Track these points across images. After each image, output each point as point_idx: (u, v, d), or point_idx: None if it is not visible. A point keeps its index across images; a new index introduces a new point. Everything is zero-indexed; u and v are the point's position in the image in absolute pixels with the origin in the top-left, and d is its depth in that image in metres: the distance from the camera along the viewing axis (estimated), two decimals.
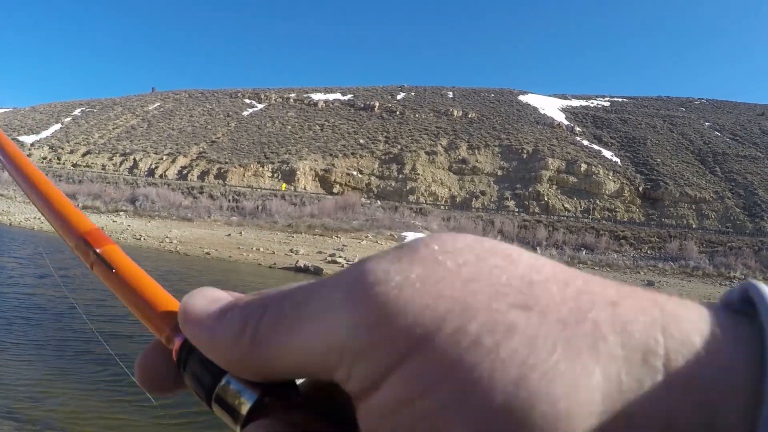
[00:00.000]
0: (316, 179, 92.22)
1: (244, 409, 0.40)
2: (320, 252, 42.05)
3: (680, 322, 0.30)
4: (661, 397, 0.28)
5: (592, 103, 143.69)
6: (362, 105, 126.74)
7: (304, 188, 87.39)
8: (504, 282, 0.31)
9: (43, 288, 17.20)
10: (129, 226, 49.12)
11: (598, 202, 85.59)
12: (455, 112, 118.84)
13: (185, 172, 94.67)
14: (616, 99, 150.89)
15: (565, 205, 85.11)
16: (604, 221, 77.50)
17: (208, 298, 0.43)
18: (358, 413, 0.33)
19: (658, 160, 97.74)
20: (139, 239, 42.23)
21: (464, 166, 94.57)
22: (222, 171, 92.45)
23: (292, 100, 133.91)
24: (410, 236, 50.27)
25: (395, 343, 0.30)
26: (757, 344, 0.28)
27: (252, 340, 0.37)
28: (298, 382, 0.43)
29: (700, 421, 0.27)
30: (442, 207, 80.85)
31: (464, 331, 0.29)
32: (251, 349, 0.37)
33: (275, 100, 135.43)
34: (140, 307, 0.51)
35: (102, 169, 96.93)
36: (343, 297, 0.33)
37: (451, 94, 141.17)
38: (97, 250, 0.58)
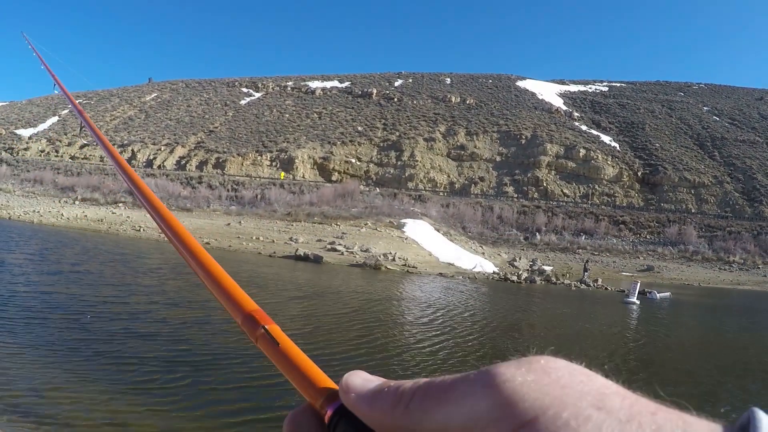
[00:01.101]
0: (315, 167, 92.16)
1: None
2: (320, 240, 42.10)
3: (696, 429, 0.45)
4: None
5: (591, 88, 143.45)
6: (360, 92, 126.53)
7: (303, 176, 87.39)
8: (586, 391, 0.49)
9: (57, 286, 16.72)
10: (128, 217, 49.11)
11: (597, 187, 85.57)
12: (453, 99, 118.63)
13: (183, 162, 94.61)
14: (614, 84, 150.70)
15: (564, 191, 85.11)
16: (603, 206, 77.60)
17: (364, 378, 0.64)
18: None
19: (657, 144, 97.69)
20: (139, 230, 42.24)
21: (463, 152, 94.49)
22: (220, 160, 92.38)
23: (289, 89, 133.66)
24: (409, 223, 50.34)
25: (516, 418, 0.47)
26: None
27: (404, 410, 0.56)
28: None
29: None
30: (441, 193, 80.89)
31: (559, 416, 0.46)
32: (404, 415, 0.56)
33: (273, 88, 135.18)
34: (298, 378, 0.69)
35: (100, 161, 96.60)
36: (482, 387, 0.52)
37: (449, 81, 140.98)
38: (266, 327, 0.76)
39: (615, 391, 0.50)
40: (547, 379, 0.51)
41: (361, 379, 0.64)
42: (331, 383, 0.69)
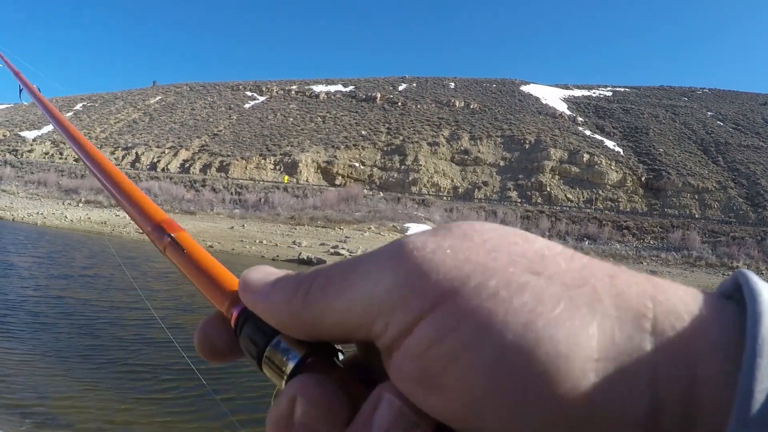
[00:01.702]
0: (319, 171, 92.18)
1: (290, 366, 0.47)
2: (323, 244, 42.06)
3: (669, 294, 0.36)
4: (649, 351, 0.33)
5: (594, 92, 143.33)
6: (364, 96, 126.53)
7: (307, 180, 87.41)
8: (520, 253, 0.38)
9: (68, 290, 16.41)
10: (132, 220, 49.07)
11: (600, 192, 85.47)
12: (457, 103, 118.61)
13: (187, 165, 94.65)
14: (618, 89, 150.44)
15: (568, 196, 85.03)
16: (606, 211, 77.41)
17: (264, 272, 0.53)
18: (392, 362, 0.40)
19: (661, 149, 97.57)
20: (142, 233, 42.10)
21: (466, 156, 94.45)
22: (224, 164, 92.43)
23: (293, 92, 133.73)
24: (413, 228, 50.40)
25: (427, 294, 0.37)
26: (740, 312, 0.34)
27: (303, 300, 0.45)
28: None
29: (683, 372, 0.33)
30: (444, 198, 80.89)
31: (484, 285, 0.36)
32: (302, 307, 0.45)
33: (277, 92, 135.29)
34: (204, 283, 0.61)
35: None
36: (386, 260, 0.41)
37: (453, 85, 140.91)
38: (172, 235, 0.70)
39: (560, 251, 0.40)
40: (469, 243, 0.40)
41: (261, 273, 0.53)
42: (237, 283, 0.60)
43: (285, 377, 0.47)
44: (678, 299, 0.36)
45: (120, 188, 0.84)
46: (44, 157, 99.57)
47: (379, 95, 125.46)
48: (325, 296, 0.44)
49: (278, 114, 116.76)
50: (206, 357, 0.56)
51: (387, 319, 0.39)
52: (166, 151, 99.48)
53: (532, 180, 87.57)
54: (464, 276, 0.37)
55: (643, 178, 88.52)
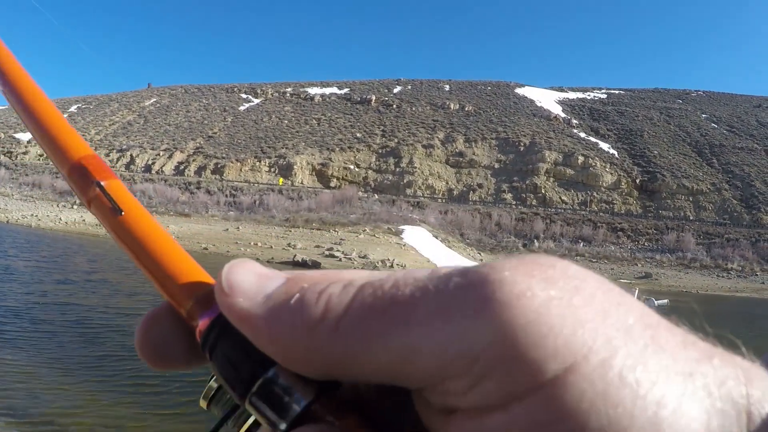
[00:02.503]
0: (313, 173, 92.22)
1: (294, 411, 0.35)
2: (318, 246, 42.01)
3: (757, 384, 0.32)
4: None
5: (589, 95, 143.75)
6: (359, 99, 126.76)
7: (302, 182, 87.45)
8: (632, 323, 0.31)
9: (75, 296, 15.81)
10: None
11: (595, 194, 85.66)
12: (452, 105, 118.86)
13: (182, 167, 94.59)
14: (613, 91, 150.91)
15: (563, 198, 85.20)
16: (601, 213, 77.61)
17: (257, 273, 0.37)
18: (453, 428, 0.31)
19: (655, 152, 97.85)
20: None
21: (461, 159, 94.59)
22: (219, 166, 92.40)
23: (288, 95, 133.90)
24: (408, 229, 50.35)
25: (544, 363, 0.28)
26: None
27: (333, 333, 0.32)
28: None
29: None
30: (439, 200, 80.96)
31: (610, 364, 0.28)
32: (329, 342, 0.32)
33: (272, 94, 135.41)
34: (154, 268, 0.42)
35: None
36: (478, 302, 0.30)
37: (447, 87, 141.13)
38: (101, 183, 0.46)
39: (658, 321, 0.34)
40: (580, 297, 0.31)
41: (253, 274, 0.37)
42: (204, 276, 0.42)
43: (284, 424, 0.35)
44: (764, 389, 0.32)
45: (33, 110, 0.53)
46: (39, 159, 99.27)
47: (373, 98, 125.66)
48: (371, 333, 0.31)
49: (273, 116, 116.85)
50: (151, 362, 0.41)
51: (474, 381, 0.29)
52: (161, 153, 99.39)
53: (527, 182, 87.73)
54: (588, 347, 0.29)
55: (637, 180, 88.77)
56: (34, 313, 13.04)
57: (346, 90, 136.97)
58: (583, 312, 0.30)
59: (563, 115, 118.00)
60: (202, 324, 0.38)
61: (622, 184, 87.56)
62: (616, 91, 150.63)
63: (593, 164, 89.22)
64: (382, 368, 0.32)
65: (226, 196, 69.34)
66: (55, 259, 24.42)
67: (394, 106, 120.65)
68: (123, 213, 0.44)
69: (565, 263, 0.34)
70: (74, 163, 0.48)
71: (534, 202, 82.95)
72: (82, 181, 0.47)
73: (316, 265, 34.34)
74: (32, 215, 50.16)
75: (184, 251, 0.43)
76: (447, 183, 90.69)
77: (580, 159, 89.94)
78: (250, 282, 0.36)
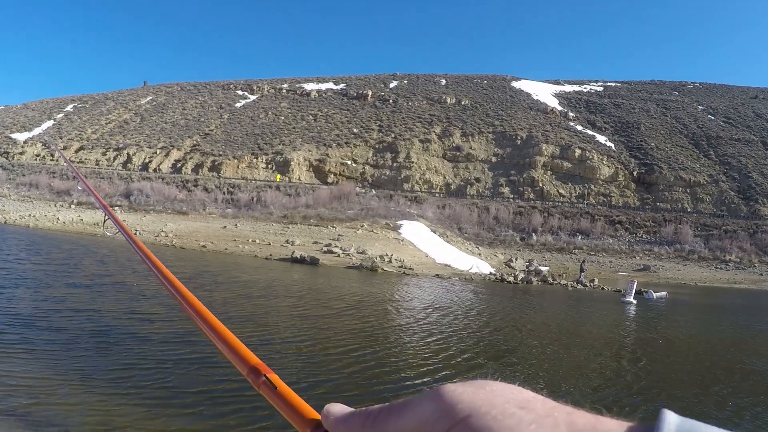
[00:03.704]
0: (311, 169, 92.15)
1: None
2: (316, 242, 42.05)
3: (607, 425, 0.56)
4: None
5: (586, 88, 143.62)
6: (355, 94, 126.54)
7: (299, 179, 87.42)
8: (513, 397, 0.62)
9: (89, 301, 15.33)
10: (124, 221, 48.80)
11: (592, 187, 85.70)
12: (448, 100, 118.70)
13: (179, 165, 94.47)
14: (609, 84, 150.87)
15: (560, 191, 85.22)
16: (599, 206, 77.75)
17: (342, 407, 0.80)
18: None
19: (652, 144, 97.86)
20: (135, 234, 41.91)
21: (458, 153, 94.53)
22: (216, 163, 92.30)
23: (284, 91, 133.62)
24: (406, 224, 50.30)
25: (454, 416, 0.62)
26: None
27: (373, 422, 0.72)
28: None
29: None
30: (437, 195, 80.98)
31: (488, 413, 0.59)
32: (371, 428, 0.71)
33: (268, 91, 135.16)
34: (292, 414, 0.87)
35: (96, 164, 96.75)
36: (431, 397, 0.66)
37: (444, 82, 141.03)
38: (267, 376, 0.96)
39: (540, 399, 0.63)
40: (482, 390, 0.64)
41: (339, 407, 0.79)
42: (316, 414, 0.86)
43: None
44: (613, 428, 0.56)
45: (218, 334, 1.14)
46: (36, 160, 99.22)
47: (370, 93, 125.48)
48: (388, 421, 0.69)
49: (270, 113, 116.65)
50: None
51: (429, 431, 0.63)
52: (158, 152, 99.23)
53: (524, 176, 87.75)
54: (477, 407, 0.60)
55: (635, 173, 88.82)
56: (51, 321, 12.43)
57: (342, 85, 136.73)
58: (480, 393, 0.64)
59: (560, 108, 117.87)
60: None
61: (620, 176, 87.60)
62: (613, 84, 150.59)
63: (590, 157, 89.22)
64: None
65: (224, 193, 69.35)
66: (65, 261, 24.07)
67: (391, 101, 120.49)
68: (277, 389, 0.93)
69: (489, 381, 0.68)
70: (251, 367, 1.01)
71: (531, 196, 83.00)
72: (256, 376, 0.99)
73: (314, 262, 34.38)
74: (30, 215, 50.15)
75: (304, 402, 0.90)
76: (444, 177, 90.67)
77: (577, 152, 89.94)
78: (337, 410, 0.79)
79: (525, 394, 0.64)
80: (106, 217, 2.72)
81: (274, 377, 0.96)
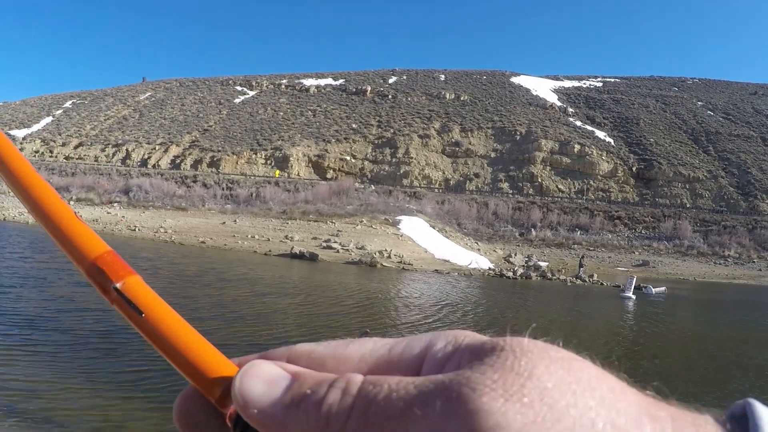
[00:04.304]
0: (310, 165, 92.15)
1: None
2: (315, 238, 42.04)
3: None
4: None
5: (585, 83, 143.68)
6: (354, 90, 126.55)
7: (298, 174, 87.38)
8: (600, 429, 0.37)
9: (95, 301, 14.72)
10: (123, 217, 49.04)
11: (591, 182, 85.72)
12: (447, 95, 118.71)
13: (178, 161, 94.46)
14: (608, 79, 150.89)
15: (559, 186, 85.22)
16: (598, 201, 77.74)
17: (265, 380, 0.45)
18: None
19: (652, 139, 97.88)
20: (134, 230, 42.15)
21: (457, 148, 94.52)
22: (215, 159, 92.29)
23: (283, 87, 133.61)
24: (405, 220, 50.31)
25: None
26: None
27: None
28: None
29: None
30: (436, 190, 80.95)
31: None
32: None
33: (267, 86, 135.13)
34: (182, 362, 0.49)
35: (95, 160, 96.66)
36: (455, 419, 0.37)
37: (443, 77, 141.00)
38: (117, 285, 0.51)
39: (628, 421, 0.39)
40: (548, 413, 0.37)
41: (263, 382, 0.45)
42: (228, 365, 0.49)
43: None
44: None
45: (45, 208, 0.58)
46: (34, 156, 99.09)
47: (369, 88, 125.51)
48: None
49: (269, 108, 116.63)
50: None
51: None
52: (157, 148, 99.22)
53: (524, 171, 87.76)
54: None
55: (634, 168, 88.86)
56: (59, 322, 12.24)
57: (341, 81, 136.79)
58: (549, 429, 0.36)
59: (559, 103, 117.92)
60: (231, 411, 0.47)
61: (619, 172, 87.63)
62: (612, 79, 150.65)
63: (589, 153, 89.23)
64: None
65: (223, 189, 69.28)
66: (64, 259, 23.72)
67: (390, 96, 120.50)
68: (143, 314, 0.50)
69: (544, 368, 0.40)
70: (90, 264, 0.52)
71: (531, 191, 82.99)
72: (102, 284, 0.51)
73: (313, 257, 34.38)
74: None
75: (207, 343, 0.50)
76: (443, 173, 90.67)
77: (577, 147, 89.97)
78: (259, 391, 0.44)
79: (605, 407, 0.39)
80: None
81: (136, 286, 0.52)
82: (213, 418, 0.49)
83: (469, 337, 0.46)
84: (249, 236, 42.16)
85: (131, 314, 0.50)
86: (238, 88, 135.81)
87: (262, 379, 0.45)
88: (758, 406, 0.39)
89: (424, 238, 46.26)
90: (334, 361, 0.47)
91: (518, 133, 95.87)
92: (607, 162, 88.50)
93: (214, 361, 0.49)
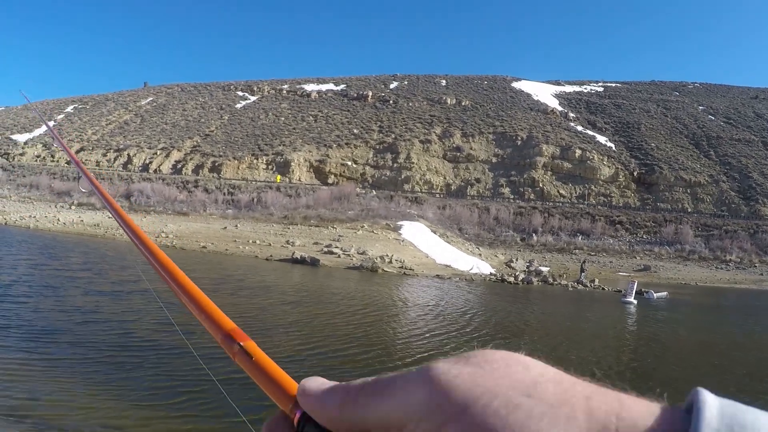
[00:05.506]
0: (311, 170, 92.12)
1: None
2: (316, 243, 42.02)
3: (633, 411, 0.48)
4: None
5: (586, 88, 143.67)
6: (355, 95, 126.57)
7: (299, 179, 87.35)
8: (519, 380, 0.53)
9: (105, 308, 15.30)
10: None
11: (593, 187, 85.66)
12: (449, 100, 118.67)
13: (179, 166, 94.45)
14: (609, 84, 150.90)
15: (560, 191, 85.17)
16: (599, 206, 77.64)
17: (318, 382, 0.70)
18: None
19: (653, 144, 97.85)
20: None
21: (459, 153, 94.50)
22: (216, 164, 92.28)
23: (285, 92, 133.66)
24: (406, 225, 50.27)
25: (447, 410, 0.52)
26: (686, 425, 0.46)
27: (353, 404, 0.62)
28: None
29: None
30: (437, 195, 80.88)
31: (489, 405, 0.50)
32: (352, 411, 0.62)
33: (268, 91, 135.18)
34: (270, 387, 0.77)
35: (96, 165, 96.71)
36: (419, 380, 0.57)
37: (444, 82, 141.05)
38: (241, 344, 0.86)
39: (551, 378, 0.54)
40: (481, 371, 0.55)
41: (316, 384, 0.69)
42: (294, 384, 0.76)
43: None
44: (639, 415, 0.48)
45: (192, 298, 1.04)
46: (36, 161, 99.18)
47: (370, 93, 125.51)
48: (369, 403, 0.60)
49: (270, 113, 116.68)
50: None
51: (417, 425, 0.55)
52: (158, 153, 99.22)
53: (525, 176, 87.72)
54: (475, 397, 0.51)
55: (635, 173, 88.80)
56: (79, 335, 11.87)
57: (342, 86, 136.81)
58: (479, 378, 0.54)
59: (560, 108, 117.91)
60: (297, 416, 0.70)
61: (620, 177, 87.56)
62: (613, 84, 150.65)
63: (591, 157, 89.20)
64: (380, 424, 0.59)
65: (224, 194, 69.28)
66: (86, 267, 23.48)
67: (391, 101, 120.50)
68: (252, 358, 0.83)
69: (489, 352, 0.59)
70: (225, 333, 0.91)
71: (532, 196, 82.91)
72: (230, 343, 0.88)
73: (314, 262, 34.36)
74: (30, 216, 50.11)
75: (285, 373, 0.80)
76: (445, 178, 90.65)
77: (578, 152, 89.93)
78: (315, 386, 0.69)
79: (532, 372, 0.55)
80: (80, 174, 2.44)
81: (251, 345, 0.86)
82: (287, 430, 0.70)
83: None
84: (250, 241, 42.15)
85: (245, 360, 0.84)
86: (240, 93, 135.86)
87: (317, 382, 0.70)
88: (705, 394, 0.47)
89: (426, 244, 46.22)
90: None
91: (519, 138, 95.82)
92: (608, 167, 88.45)
93: (289, 386, 0.76)
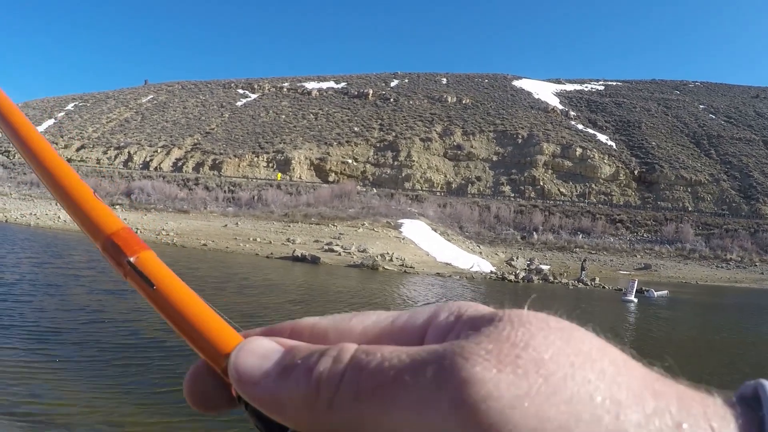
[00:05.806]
0: (312, 168, 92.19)
1: None
2: (317, 241, 42.04)
3: (714, 417, 0.36)
4: None
5: (587, 87, 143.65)
6: (356, 93, 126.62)
7: (300, 177, 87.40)
8: (599, 403, 0.35)
9: (112, 309, 14.94)
10: (125, 219, 48.32)
11: (593, 186, 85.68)
12: (449, 99, 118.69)
13: (180, 164, 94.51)
14: (610, 83, 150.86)
15: (561, 190, 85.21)
16: (600, 205, 77.66)
17: (258, 355, 0.44)
18: None
19: (653, 143, 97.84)
20: (136, 232, 42.02)
21: (459, 152, 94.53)
22: (217, 162, 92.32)
23: (285, 90, 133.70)
24: (407, 223, 50.30)
25: None
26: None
27: (329, 406, 0.38)
28: None
29: None
30: (437, 193, 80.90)
31: None
32: (328, 415, 0.39)
33: (269, 89, 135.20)
34: (190, 333, 0.48)
35: (97, 163, 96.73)
36: (451, 401, 0.35)
37: (444, 81, 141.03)
38: (131, 259, 0.52)
39: (631, 396, 0.36)
40: (546, 390, 0.35)
41: (255, 356, 0.44)
42: (234, 336, 0.48)
43: None
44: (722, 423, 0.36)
45: (61, 183, 0.58)
46: None
47: (371, 91, 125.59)
48: (357, 410, 0.38)
49: (270, 111, 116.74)
50: (199, 409, 0.49)
51: None
52: (159, 150, 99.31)
53: (525, 174, 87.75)
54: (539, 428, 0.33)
55: (636, 172, 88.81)
56: (88, 334, 11.71)
57: (343, 84, 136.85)
58: (547, 410, 0.34)
59: (561, 107, 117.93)
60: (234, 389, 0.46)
61: (621, 175, 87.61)
62: (614, 83, 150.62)
63: (591, 156, 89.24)
64: None
65: (225, 192, 69.32)
66: (91, 265, 22.82)
67: (392, 99, 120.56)
68: (155, 287, 0.50)
69: (542, 338, 0.38)
70: (106, 239, 0.53)
71: (532, 195, 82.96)
72: (116, 257, 0.52)
73: (315, 260, 34.36)
74: (31, 214, 50.15)
75: (214, 314, 0.49)
76: (445, 176, 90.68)
77: (578, 151, 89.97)
78: (253, 366, 0.43)
79: (607, 379, 0.37)
80: None
81: (149, 260, 0.52)
82: (222, 392, 0.48)
83: (473, 308, 0.46)
84: (251, 239, 42.17)
85: (143, 287, 0.50)
86: (240, 91, 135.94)
87: (256, 354, 0.44)
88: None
89: (426, 242, 46.25)
90: (336, 334, 0.46)
91: (520, 137, 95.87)
92: (609, 165, 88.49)
93: (222, 333, 0.48)
